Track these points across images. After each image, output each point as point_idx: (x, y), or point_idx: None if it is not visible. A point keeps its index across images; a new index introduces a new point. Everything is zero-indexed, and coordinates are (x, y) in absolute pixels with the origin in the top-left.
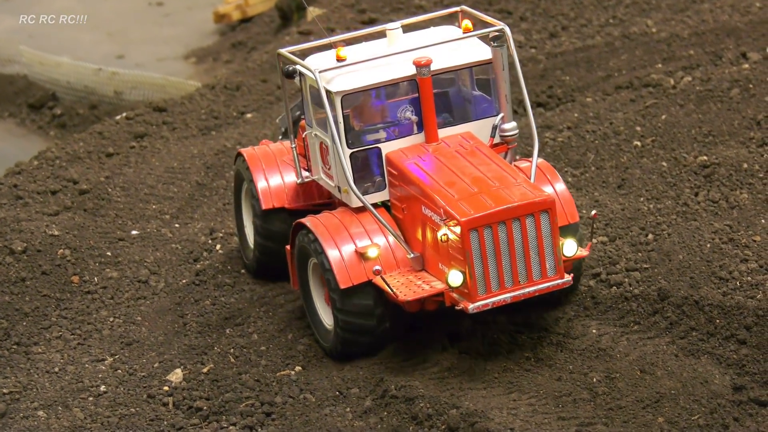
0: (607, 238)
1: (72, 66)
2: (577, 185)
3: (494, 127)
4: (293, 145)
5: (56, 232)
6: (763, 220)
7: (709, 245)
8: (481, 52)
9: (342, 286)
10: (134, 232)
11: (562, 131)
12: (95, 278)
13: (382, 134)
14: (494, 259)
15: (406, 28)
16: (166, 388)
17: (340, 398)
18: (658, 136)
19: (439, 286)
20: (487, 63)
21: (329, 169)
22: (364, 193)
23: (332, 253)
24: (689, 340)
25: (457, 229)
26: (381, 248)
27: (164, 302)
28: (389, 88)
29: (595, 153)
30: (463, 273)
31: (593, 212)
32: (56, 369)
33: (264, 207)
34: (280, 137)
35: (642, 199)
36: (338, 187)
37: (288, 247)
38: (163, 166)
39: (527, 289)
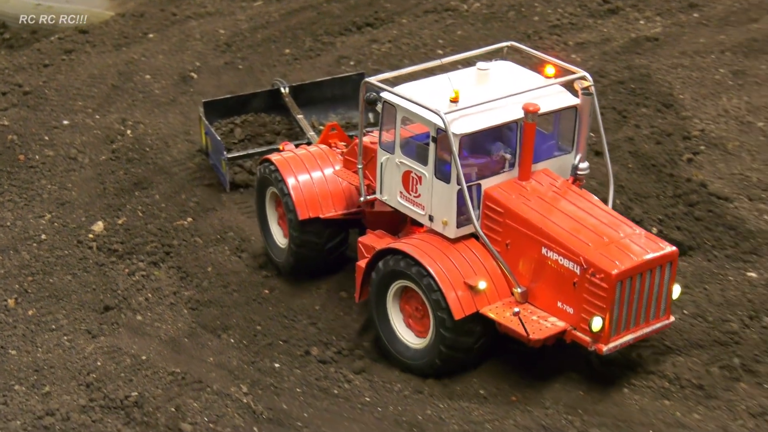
0: None
1: (18, 0)
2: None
3: (574, 167)
4: (360, 165)
5: (6, 123)
6: None
7: None
8: (567, 97)
9: (456, 318)
10: (65, 122)
11: (384, 44)
12: (36, 156)
13: (474, 169)
14: (628, 305)
15: (461, 62)
16: (91, 235)
17: (221, 240)
18: (455, 47)
19: (558, 323)
20: (574, 107)
21: (418, 197)
22: (458, 225)
23: (448, 291)
24: None
25: (604, 280)
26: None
27: (89, 173)
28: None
29: (410, 60)
30: (603, 319)
31: None
32: (8, 223)
33: (300, 218)
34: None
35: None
36: (429, 216)
37: (361, 264)
38: (86, 73)
39: (645, 330)
